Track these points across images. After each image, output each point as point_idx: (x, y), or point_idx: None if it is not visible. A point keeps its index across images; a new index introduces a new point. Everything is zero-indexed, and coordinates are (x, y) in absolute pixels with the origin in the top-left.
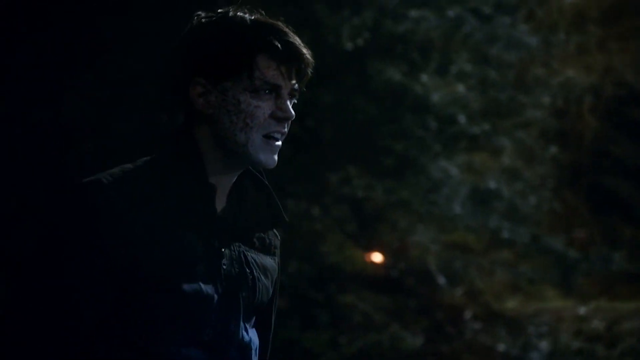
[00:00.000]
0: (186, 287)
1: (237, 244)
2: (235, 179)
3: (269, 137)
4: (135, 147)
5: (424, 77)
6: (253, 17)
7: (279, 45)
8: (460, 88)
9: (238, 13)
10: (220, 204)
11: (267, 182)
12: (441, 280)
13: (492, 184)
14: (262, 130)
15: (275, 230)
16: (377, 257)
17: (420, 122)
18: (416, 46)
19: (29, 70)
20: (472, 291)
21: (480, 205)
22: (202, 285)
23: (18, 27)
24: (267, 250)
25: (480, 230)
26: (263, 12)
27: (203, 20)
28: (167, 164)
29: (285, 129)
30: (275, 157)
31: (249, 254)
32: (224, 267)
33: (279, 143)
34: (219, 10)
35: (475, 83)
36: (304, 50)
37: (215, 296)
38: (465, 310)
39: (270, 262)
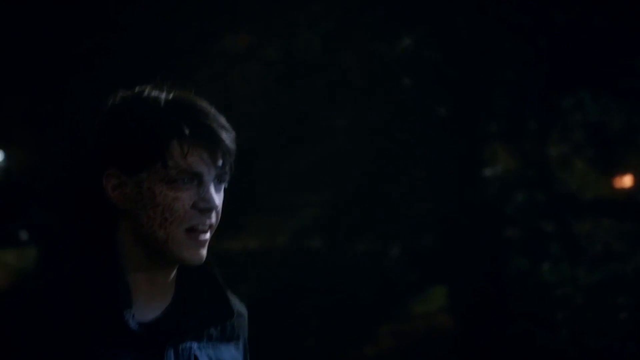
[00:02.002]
0: None
1: (187, 345)
2: (174, 272)
3: (193, 231)
4: None
5: None
6: (170, 97)
7: (192, 130)
8: None
9: (153, 93)
10: (163, 302)
11: (212, 270)
12: None
13: None
14: (184, 224)
15: (239, 306)
16: (624, 181)
17: None
18: None
19: None
20: None
21: None
22: None
23: None
24: (228, 337)
25: None
26: (188, 86)
27: (117, 101)
28: (78, 279)
29: (212, 220)
30: (203, 251)
31: (202, 352)
32: None
33: (207, 236)
34: (137, 89)
35: None
36: (223, 135)
37: None
38: None
39: (231, 352)
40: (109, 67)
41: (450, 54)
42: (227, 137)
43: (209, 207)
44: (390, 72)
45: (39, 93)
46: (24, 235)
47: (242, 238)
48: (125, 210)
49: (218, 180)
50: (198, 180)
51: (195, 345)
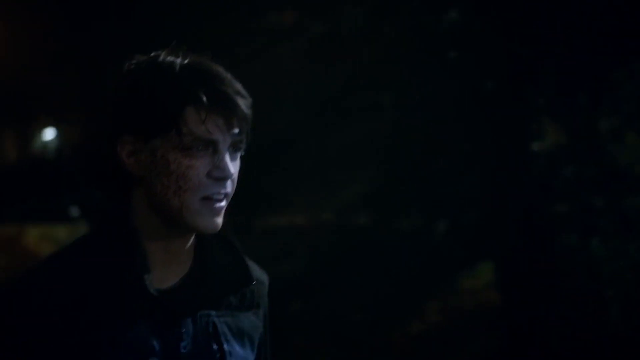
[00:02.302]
0: None
1: (205, 312)
2: (191, 241)
3: (208, 199)
4: None
5: None
6: (185, 62)
7: (207, 96)
8: None
9: (168, 58)
10: (180, 271)
11: (231, 238)
12: None
13: None
14: (198, 192)
15: (259, 274)
16: None
17: None
18: None
19: None
20: None
21: None
22: None
23: None
24: (247, 306)
25: None
26: (207, 51)
27: (132, 67)
28: (93, 248)
29: (227, 189)
30: (218, 219)
31: (221, 320)
32: (184, 350)
33: (222, 204)
34: (152, 54)
35: None
36: (239, 101)
37: None
38: None
39: (250, 320)
40: (153, 46)
41: (497, 27)
42: (243, 104)
43: (224, 176)
44: (436, 46)
45: (88, 72)
46: (74, 211)
47: (289, 214)
48: (140, 177)
49: (234, 148)
50: (213, 148)
51: (213, 313)
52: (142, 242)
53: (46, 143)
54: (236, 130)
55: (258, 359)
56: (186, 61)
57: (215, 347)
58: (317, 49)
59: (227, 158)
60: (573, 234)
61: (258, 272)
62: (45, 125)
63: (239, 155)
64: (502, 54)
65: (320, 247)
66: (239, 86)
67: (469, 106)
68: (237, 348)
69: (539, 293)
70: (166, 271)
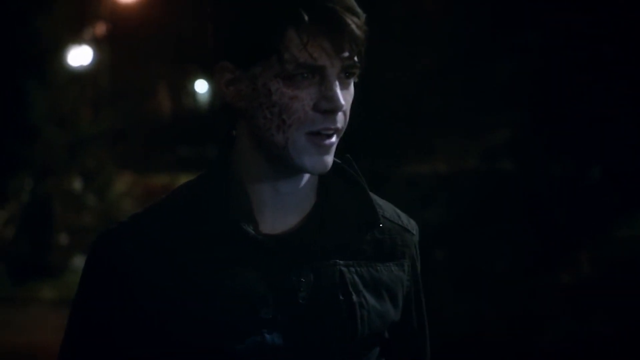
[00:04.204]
0: (239, 346)
1: (330, 261)
2: (305, 181)
3: (316, 135)
4: None
5: None
6: None
7: (310, 15)
8: None
9: None
10: (296, 214)
11: (357, 174)
12: None
13: None
14: (305, 127)
15: (406, 221)
16: None
17: None
18: None
19: None
20: None
21: None
22: (267, 336)
23: None
24: (388, 255)
25: None
26: None
27: None
28: (195, 191)
29: (338, 124)
30: (328, 158)
31: (350, 270)
32: (302, 301)
33: (332, 140)
34: None
35: None
36: (348, 18)
37: (291, 344)
38: None
39: (391, 271)
40: None
41: None
42: (354, 22)
43: (334, 108)
44: None
45: None
46: None
47: (432, 161)
48: (242, 110)
49: (345, 75)
50: (320, 76)
51: (341, 262)
52: (245, 183)
53: (198, 95)
54: (346, 54)
55: (403, 317)
56: None
57: (341, 297)
58: None
59: (337, 87)
60: None
61: (405, 220)
62: (197, 77)
63: (352, 82)
64: None
65: (464, 195)
66: (350, 1)
67: (624, 42)
68: (372, 300)
69: None
70: (279, 215)
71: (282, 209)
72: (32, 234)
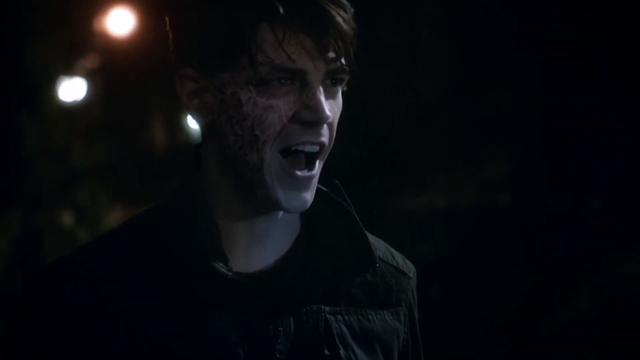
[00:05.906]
0: None
1: (314, 307)
2: (280, 213)
3: (293, 157)
4: None
5: None
6: None
7: (287, 7)
8: None
9: None
10: (274, 252)
11: (347, 203)
12: None
13: None
14: (280, 141)
15: (402, 263)
16: None
17: None
18: None
19: None
20: None
21: None
22: None
23: None
24: (381, 302)
25: None
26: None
27: None
28: (152, 222)
29: (322, 138)
30: (307, 195)
31: (338, 318)
32: (279, 355)
33: (313, 172)
34: None
35: None
36: (333, 10)
37: None
38: None
39: (386, 321)
40: None
41: None
42: (340, 15)
43: (317, 119)
44: (586, 5)
45: None
46: None
47: (426, 195)
48: (208, 125)
49: (331, 82)
50: (301, 81)
51: (326, 308)
52: (212, 211)
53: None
54: (332, 55)
55: None
56: None
57: (327, 352)
58: (456, 13)
59: (321, 94)
60: None
61: (400, 261)
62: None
63: (339, 91)
64: None
65: (461, 229)
66: None
67: (624, 73)
68: (362, 356)
69: None
70: (254, 249)
71: (257, 243)
72: (22, 268)
